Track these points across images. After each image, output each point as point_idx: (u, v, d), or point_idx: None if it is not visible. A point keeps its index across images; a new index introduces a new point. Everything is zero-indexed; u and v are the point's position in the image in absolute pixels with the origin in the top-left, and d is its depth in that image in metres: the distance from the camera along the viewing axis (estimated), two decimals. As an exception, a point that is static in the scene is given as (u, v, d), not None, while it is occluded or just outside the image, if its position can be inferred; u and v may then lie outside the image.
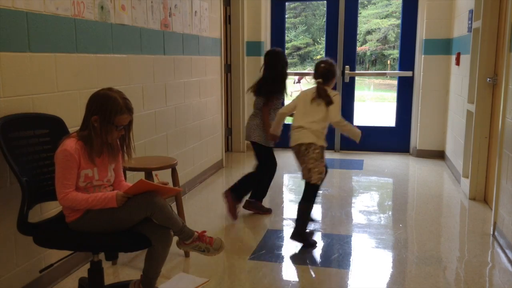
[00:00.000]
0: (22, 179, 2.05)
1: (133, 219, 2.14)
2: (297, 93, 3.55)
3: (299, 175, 5.15)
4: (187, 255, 3.04)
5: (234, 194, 3.73)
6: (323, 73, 3.30)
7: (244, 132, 6.27)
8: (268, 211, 3.90)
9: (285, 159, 5.99)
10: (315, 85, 3.29)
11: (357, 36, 6.40)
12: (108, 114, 2.10)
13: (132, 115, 2.19)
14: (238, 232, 3.57)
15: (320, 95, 3.25)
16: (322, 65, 3.34)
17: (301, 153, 3.24)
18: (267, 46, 6.35)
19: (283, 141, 6.60)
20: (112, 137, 2.16)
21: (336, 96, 3.28)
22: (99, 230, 2.14)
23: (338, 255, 3.08)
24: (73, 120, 2.58)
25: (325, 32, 6.42)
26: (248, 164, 5.71)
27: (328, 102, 3.23)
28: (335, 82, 3.40)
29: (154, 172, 2.73)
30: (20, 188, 2.06)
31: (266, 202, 4.27)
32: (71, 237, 2.16)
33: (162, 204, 2.13)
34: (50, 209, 2.56)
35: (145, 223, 2.17)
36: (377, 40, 16.99)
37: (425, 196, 4.43)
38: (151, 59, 3.69)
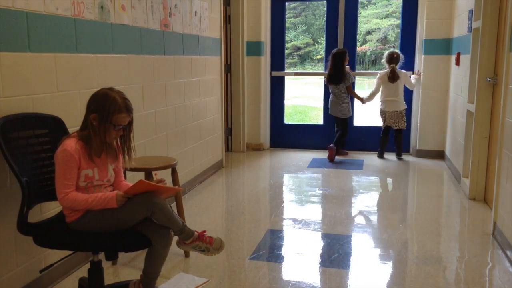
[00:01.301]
0: (22, 179, 2.05)
1: (133, 219, 2.14)
2: None
3: (299, 175, 5.17)
4: (187, 255, 3.04)
5: (335, 147, 5.85)
6: (397, 60, 5.76)
7: (243, 131, 6.29)
8: (346, 154, 6.18)
9: (285, 158, 5.99)
10: (387, 69, 5.78)
11: (357, 36, 6.40)
12: (107, 112, 2.10)
13: (131, 116, 2.19)
14: (238, 232, 3.57)
15: (394, 75, 5.69)
16: (395, 55, 5.74)
17: (396, 116, 5.76)
18: (267, 46, 6.35)
19: (282, 142, 6.63)
20: (110, 137, 2.16)
21: (404, 72, 5.81)
22: (99, 230, 2.14)
23: (338, 255, 3.09)
24: (73, 120, 2.58)
25: (325, 32, 6.42)
26: (248, 164, 5.72)
27: (397, 78, 5.71)
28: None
29: (153, 172, 2.73)
30: (20, 188, 2.06)
31: (266, 201, 4.27)
32: (71, 237, 2.16)
33: (162, 204, 2.14)
34: (50, 209, 2.56)
35: (145, 223, 2.17)
36: (377, 40, 16.98)
37: (425, 196, 4.43)
38: (151, 59, 3.69)
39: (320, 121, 6.72)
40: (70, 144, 2.08)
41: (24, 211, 2.07)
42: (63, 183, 2.06)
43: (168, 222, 2.16)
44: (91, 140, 2.13)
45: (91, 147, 2.14)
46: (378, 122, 6.15)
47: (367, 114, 8.17)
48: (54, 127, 2.37)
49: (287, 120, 6.86)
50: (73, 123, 2.53)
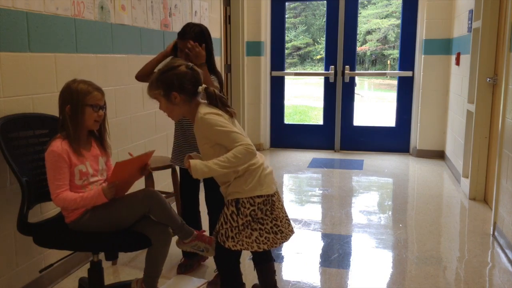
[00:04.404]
0: (22, 179, 2.05)
1: (132, 216, 2.14)
2: None
3: (299, 175, 5.17)
4: (187, 255, 3.03)
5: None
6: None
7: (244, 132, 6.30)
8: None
9: (285, 158, 5.99)
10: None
11: (357, 36, 6.39)
12: (76, 97, 2.08)
13: (102, 94, 2.16)
14: (238, 232, 3.57)
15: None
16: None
17: (278, 202, 2.20)
18: (267, 46, 6.35)
19: (282, 142, 6.62)
20: (91, 119, 2.12)
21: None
22: (98, 230, 2.14)
23: (338, 255, 3.09)
24: (73, 120, 2.58)
25: (325, 32, 6.42)
26: (248, 164, 5.70)
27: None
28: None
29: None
30: (20, 188, 2.06)
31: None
32: (71, 237, 2.16)
33: (160, 199, 2.16)
34: (50, 209, 2.56)
35: (144, 221, 2.18)
36: (377, 40, 16.98)
37: (425, 196, 4.43)
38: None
39: (320, 121, 6.72)
40: (56, 145, 2.07)
41: (24, 211, 2.07)
42: (54, 184, 2.06)
43: (166, 218, 2.17)
44: (77, 134, 2.11)
45: (78, 142, 2.11)
46: (378, 121, 6.14)
47: (367, 114, 8.18)
48: (54, 127, 2.36)
49: (287, 120, 6.86)
50: (73, 123, 2.52)
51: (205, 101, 2.10)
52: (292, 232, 2.23)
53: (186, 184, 2.79)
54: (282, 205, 2.23)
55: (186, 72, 2.05)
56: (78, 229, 2.15)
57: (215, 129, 2.00)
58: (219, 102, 2.09)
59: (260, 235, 2.09)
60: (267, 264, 2.34)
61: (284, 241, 2.18)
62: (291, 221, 2.30)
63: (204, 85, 2.10)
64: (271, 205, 2.10)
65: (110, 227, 2.14)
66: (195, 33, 2.58)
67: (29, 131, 2.25)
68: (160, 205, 2.14)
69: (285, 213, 2.24)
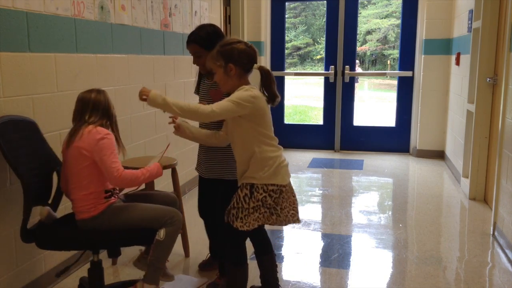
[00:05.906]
0: (25, 182, 2.03)
1: (145, 224, 2.18)
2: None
3: (299, 175, 5.17)
4: (187, 254, 3.03)
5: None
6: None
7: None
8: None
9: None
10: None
11: (357, 36, 6.39)
12: (109, 107, 2.25)
13: None
14: (238, 232, 3.57)
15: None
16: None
17: (289, 192, 2.29)
18: (267, 46, 6.35)
19: (282, 142, 6.61)
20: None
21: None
22: (108, 229, 2.15)
23: (338, 255, 3.09)
24: (73, 120, 2.58)
25: (325, 32, 6.42)
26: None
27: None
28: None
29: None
30: (21, 188, 2.05)
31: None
32: (75, 238, 2.15)
33: (179, 225, 2.23)
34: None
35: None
36: (377, 40, 17.00)
37: (425, 196, 4.43)
38: (151, 59, 3.69)
39: (320, 121, 6.72)
40: (105, 130, 2.15)
41: (26, 222, 2.06)
42: (115, 163, 2.10)
43: (167, 246, 2.20)
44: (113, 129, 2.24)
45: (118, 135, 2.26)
46: (378, 121, 6.14)
47: (367, 114, 8.17)
48: (31, 129, 2.29)
49: (287, 120, 6.86)
50: (73, 123, 2.52)
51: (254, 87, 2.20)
52: (291, 221, 2.27)
53: (203, 202, 2.75)
54: (293, 196, 2.31)
55: (244, 48, 2.19)
56: (88, 228, 2.14)
57: (237, 94, 2.13)
58: (269, 85, 2.22)
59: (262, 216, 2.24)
60: (266, 256, 2.42)
61: (278, 224, 2.27)
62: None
63: (259, 64, 2.22)
64: (279, 194, 2.22)
65: (120, 226, 2.17)
66: (199, 36, 2.48)
67: (15, 134, 2.17)
68: (177, 230, 2.22)
69: (293, 204, 2.29)
